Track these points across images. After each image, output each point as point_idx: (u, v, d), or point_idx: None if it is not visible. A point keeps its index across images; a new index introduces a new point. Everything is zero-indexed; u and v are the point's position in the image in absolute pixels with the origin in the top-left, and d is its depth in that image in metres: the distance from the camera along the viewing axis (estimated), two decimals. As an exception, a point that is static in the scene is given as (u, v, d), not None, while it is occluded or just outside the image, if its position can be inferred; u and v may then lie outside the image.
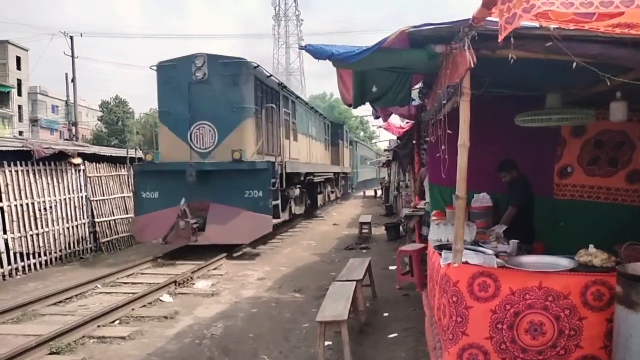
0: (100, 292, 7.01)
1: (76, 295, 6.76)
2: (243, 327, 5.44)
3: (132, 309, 5.96)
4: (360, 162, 33.44)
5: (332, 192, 21.43)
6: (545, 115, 4.27)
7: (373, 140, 51.64)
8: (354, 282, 5.14)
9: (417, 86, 5.47)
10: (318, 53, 3.64)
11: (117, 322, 5.58)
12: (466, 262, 3.25)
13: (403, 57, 3.54)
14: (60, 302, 6.47)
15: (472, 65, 2.89)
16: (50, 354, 4.63)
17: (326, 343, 4.31)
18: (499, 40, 2.36)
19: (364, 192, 32.22)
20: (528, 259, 3.53)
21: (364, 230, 12.18)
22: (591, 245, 3.42)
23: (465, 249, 3.38)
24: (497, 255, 3.58)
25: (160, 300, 6.35)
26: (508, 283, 3.14)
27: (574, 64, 2.66)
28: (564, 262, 3.37)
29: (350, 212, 19.81)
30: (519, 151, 5.20)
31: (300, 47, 3.93)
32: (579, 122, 4.57)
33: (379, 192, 26.99)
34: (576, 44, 2.73)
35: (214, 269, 8.55)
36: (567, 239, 4.65)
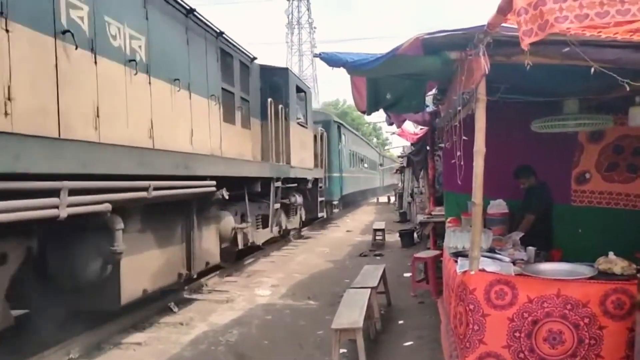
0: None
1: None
2: (258, 334, 5.44)
3: (148, 315, 6.00)
4: (350, 163, 20.65)
5: (257, 229, 8.98)
6: (562, 120, 4.23)
7: (386, 147, 51.42)
8: (369, 290, 5.12)
9: (431, 92, 5.47)
10: (332, 61, 3.67)
11: (133, 328, 5.63)
12: (483, 270, 3.22)
13: (417, 63, 3.55)
14: None
15: (487, 72, 2.88)
16: (68, 359, 4.68)
17: (341, 351, 4.29)
18: (523, 47, 2.35)
19: (377, 199, 31.94)
20: (546, 267, 3.49)
21: (377, 237, 12.12)
22: (611, 253, 3.36)
23: (482, 256, 3.35)
24: (514, 263, 3.55)
25: (171, 309, 6.35)
26: (525, 291, 3.10)
27: (592, 70, 2.64)
28: (583, 269, 3.32)
29: (364, 218, 19.76)
30: (536, 157, 5.15)
31: (315, 55, 3.95)
32: (597, 128, 4.52)
33: (392, 199, 26.86)
34: (593, 49, 2.70)
35: (228, 275, 8.57)
36: (585, 246, 4.57)
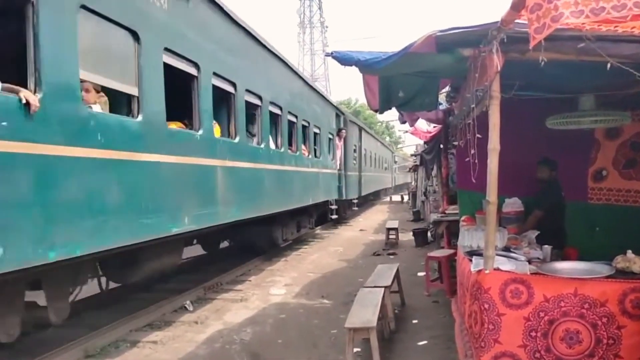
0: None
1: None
2: (272, 333, 5.47)
3: (164, 314, 6.06)
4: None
5: None
6: (578, 117, 4.17)
7: (399, 145, 51.04)
8: (382, 289, 5.10)
9: (444, 90, 5.43)
10: (344, 60, 3.66)
11: (149, 327, 5.69)
12: (498, 269, 3.20)
13: (430, 61, 3.52)
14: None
15: (500, 69, 2.85)
16: (85, 357, 4.75)
17: (355, 350, 4.28)
18: (530, 47, 2.33)
19: (390, 197, 31.80)
20: (562, 265, 3.44)
21: (391, 236, 12.08)
22: (629, 251, 3.31)
23: (497, 255, 3.32)
24: (529, 261, 3.51)
25: (186, 307, 6.40)
26: (541, 290, 3.07)
27: (608, 65, 2.59)
28: (600, 268, 3.27)
29: (377, 217, 19.71)
30: (551, 154, 5.08)
31: (327, 54, 3.95)
32: (614, 124, 4.44)
33: (406, 198, 26.74)
34: (609, 44, 2.67)
35: (242, 274, 8.62)
36: (602, 244, 4.53)
